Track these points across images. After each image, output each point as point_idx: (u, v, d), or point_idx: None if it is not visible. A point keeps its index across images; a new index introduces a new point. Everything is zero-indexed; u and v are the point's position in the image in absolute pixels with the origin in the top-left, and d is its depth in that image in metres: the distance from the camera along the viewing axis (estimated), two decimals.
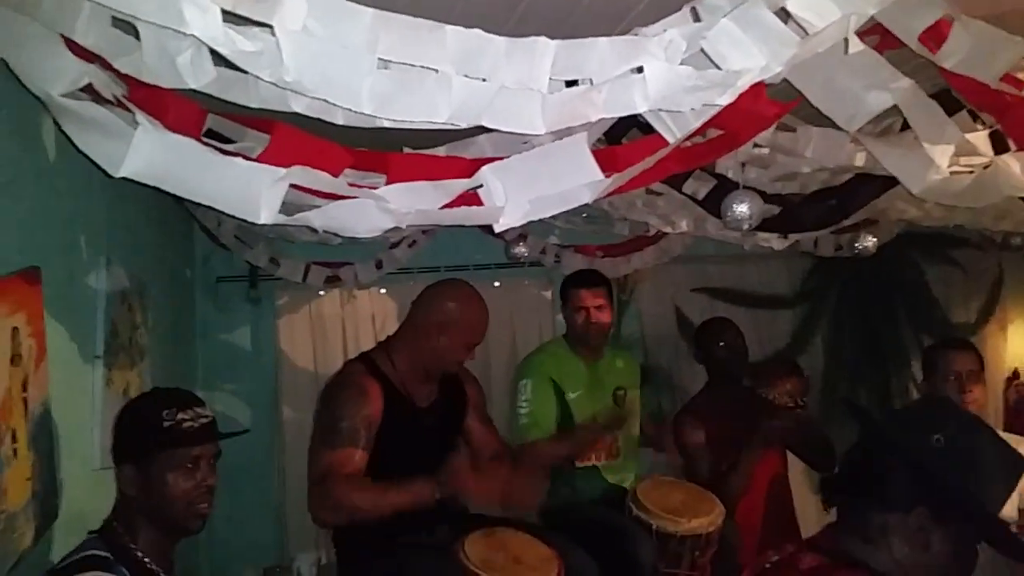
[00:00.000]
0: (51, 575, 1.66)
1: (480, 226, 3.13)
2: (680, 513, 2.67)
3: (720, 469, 3.15)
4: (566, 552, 2.31)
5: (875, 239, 3.48)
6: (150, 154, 1.37)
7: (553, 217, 3.70)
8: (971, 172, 2.09)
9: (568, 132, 1.63)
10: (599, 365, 3.28)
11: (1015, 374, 4.93)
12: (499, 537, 2.28)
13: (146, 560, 1.74)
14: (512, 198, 1.58)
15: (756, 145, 2.37)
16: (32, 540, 1.74)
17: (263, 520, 4.11)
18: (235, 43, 1.11)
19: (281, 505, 4.11)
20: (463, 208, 1.62)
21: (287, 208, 1.51)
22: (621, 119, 1.82)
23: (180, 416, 1.76)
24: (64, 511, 1.97)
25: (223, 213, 2.36)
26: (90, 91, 1.44)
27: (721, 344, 3.41)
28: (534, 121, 1.26)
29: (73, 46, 1.39)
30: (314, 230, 3.02)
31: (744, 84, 1.25)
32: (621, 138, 2.16)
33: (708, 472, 3.13)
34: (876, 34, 1.81)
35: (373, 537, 2.38)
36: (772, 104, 1.81)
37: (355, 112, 1.25)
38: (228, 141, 1.88)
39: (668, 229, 3.37)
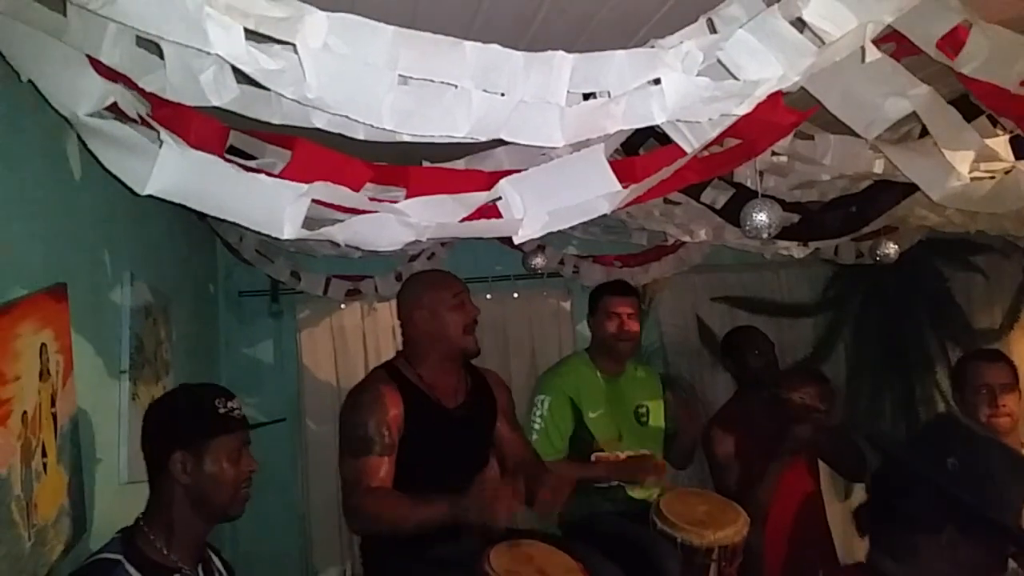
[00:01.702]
0: None
1: (499, 238, 3.18)
2: (705, 525, 2.65)
3: (749, 479, 3.13)
4: (592, 564, 2.30)
5: (896, 246, 3.45)
6: (175, 172, 1.40)
7: (571, 228, 3.75)
8: (992, 178, 2.08)
9: (586, 144, 1.64)
10: (620, 381, 3.26)
11: None
12: (524, 549, 2.27)
13: (168, 556, 1.76)
14: (531, 210, 1.60)
15: (774, 153, 2.36)
16: (62, 552, 1.76)
17: (287, 532, 4.13)
18: (258, 61, 1.13)
19: (305, 517, 4.13)
20: (482, 220, 1.64)
21: (309, 223, 1.53)
22: (638, 130, 1.83)
23: (230, 404, 1.83)
24: (93, 525, 1.99)
25: (245, 228, 2.39)
26: (115, 110, 1.47)
27: (756, 353, 3.40)
28: (553, 134, 1.27)
29: (98, 66, 1.42)
30: (335, 244, 3.08)
31: (762, 94, 1.25)
32: (639, 149, 2.17)
33: (737, 483, 3.10)
34: (893, 41, 1.81)
35: (400, 547, 2.38)
36: (789, 112, 1.81)
37: (376, 128, 1.26)
38: (250, 157, 1.91)
39: (686, 238, 3.36)
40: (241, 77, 1.31)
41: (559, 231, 3.92)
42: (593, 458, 3.11)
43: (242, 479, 1.84)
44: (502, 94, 1.21)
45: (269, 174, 1.49)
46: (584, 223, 3.64)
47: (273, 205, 1.40)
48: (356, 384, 2.69)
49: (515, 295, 4.40)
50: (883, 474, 1.59)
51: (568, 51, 1.26)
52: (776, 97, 1.74)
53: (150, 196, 1.47)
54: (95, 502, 2.06)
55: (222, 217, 1.51)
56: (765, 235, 2.22)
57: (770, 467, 3.09)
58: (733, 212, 2.50)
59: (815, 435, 3.14)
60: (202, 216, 3.05)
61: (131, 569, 1.68)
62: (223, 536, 3.88)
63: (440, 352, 2.60)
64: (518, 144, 1.98)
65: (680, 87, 1.21)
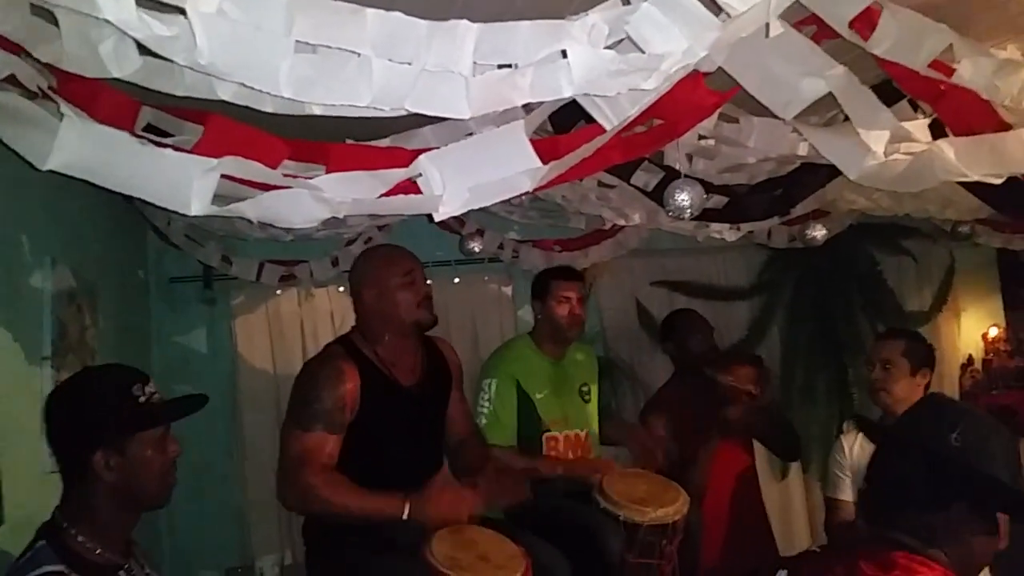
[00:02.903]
0: None
1: (440, 223, 3.15)
2: (646, 503, 2.68)
3: (684, 461, 3.18)
4: (534, 549, 2.30)
5: (824, 229, 3.53)
6: (77, 146, 1.35)
7: (509, 212, 3.78)
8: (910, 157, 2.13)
9: (508, 121, 1.64)
10: (563, 363, 3.27)
11: (969, 360, 5.04)
12: (466, 535, 2.26)
13: (102, 555, 1.66)
14: (450, 186, 1.59)
15: (701, 136, 2.40)
16: None
17: (225, 522, 4.06)
18: (150, 28, 1.10)
19: (242, 507, 4.06)
20: (401, 197, 1.62)
21: (221, 200, 1.50)
22: (570, 110, 1.83)
23: (148, 390, 1.69)
24: (9, 516, 1.94)
25: (173, 212, 2.34)
26: (14, 83, 1.42)
27: (697, 336, 3.48)
28: (459, 105, 1.26)
29: None
30: (264, 227, 3.03)
31: (668, 68, 1.26)
32: (569, 130, 2.17)
33: (674, 464, 3.14)
34: (812, 24, 1.84)
35: (342, 532, 2.36)
36: (710, 93, 1.83)
37: (283, 99, 1.24)
38: (166, 135, 1.87)
39: (622, 222, 3.40)
40: (145, 50, 1.28)
41: (499, 216, 3.94)
42: (544, 441, 3.11)
43: (168, 466, 1.73)
44: (408, 64, 1.19)
45: (179, 149, 1.46)
46: (522, 207, 3.72)
47: (180, 180, 1.36)
48: (313, 356, 2.66)
49: (456, 280, 4.38)
50: (879, 456, 1.57)
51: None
52: (697, 78, 1.76)
53: (72, 178, 1.42)
54: (12, 494, 1.99)
55: (128, 193, 1.47)
56: (687, 215, 2.25)
57: (703, 448, 3.16)
58: (662, 194, 2.52)
59: (748, 416, 3.21)
60: (129, 199, 2.97)
61: None
62: (159, 527, 3.81)
63: (393, 330, 2.57)
64: (443, 123, 2.00)
65: (586, 60, 1.21)
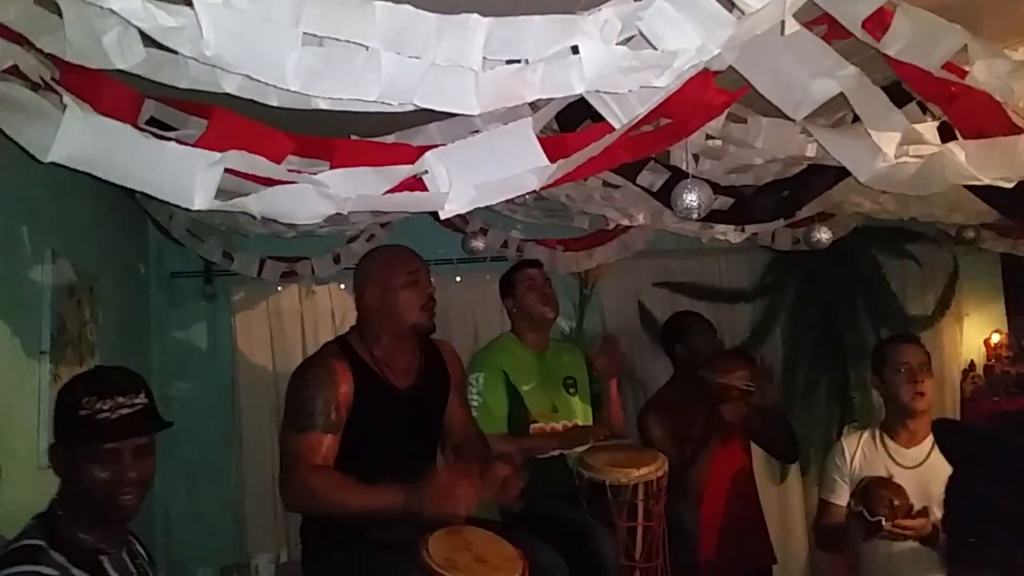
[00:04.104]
0: None
1: (443, 221, 3.15)
2: (628, 465, 2.75)
3: (683, 462, 3.18)
4: (532, 551, 2.29)
5: (830, 231, 3.50)
6: (79, 138, 1.33)
7: (513, 211, 3.76)
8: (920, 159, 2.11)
9: (515, 119, 1.62)
10: (547, 357, 3.32)
11: (971, 366, 5.01)
12: (463, 536, 2.24)
13: (87, 539, 1.70)
14: (457, 184, 1.56)
15: (708, 136, 2.37)
16: None
17: (221, 519, 4.06)
18: (155, 18, 1.08)
19: (239, 504, 4.06)
20: (407, 194, 1.60)
21: (225, 195, 1.47)
22: (576, 108, 1.82)
23: (98, 406, 1.67)
24: (7, 509, 1.93)
25: (174, 206, 2.31)
26: (16, 74, 1.40)
27: (703, 338, 3.49)
28: (468, 100, 1.24)
29: None
30: (266, 222, 3.01)
31: (680, 65, 1.24)
32: (575, 128, 2.15)
33: (673, 465, 3.13)
34: (824, 23, 1.82)
35: (339, 531, 2.35)
36: (720, 93, 1.81)
37: (289, 92, 1.22)
38: (170, 129, 1.85)
39: (626, 222, 3.38)
40: (149, 41, 1.26)
41: (503, 214, 3.94)
42: (530, 431, 3.15)
43: (116, 485, 1.69)
44: (417, 58, 1.17)
45: (182, 143, 1.43)
46: (526, 206, 3.70)
47: (183, 174, 1.34)
48: (307, 357, 2.68)
49: (458, 279, 4.37)
50: (961, 477, 1.39)
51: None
52: (707, 77, 1.74)
53: (74, 171, 1.40)
54: (9, 487, 1.98)
55: (131, 187, 1.45)
56: (695, 216, 2.23)
57: (702, 449, 3.16)
58: (668, 195, 2.50)
59: (745, 417, 3.21)
60: (131, 193, 2.95)
61: (54, 554, 1.62)
62: (155, 522, 3.80)
63: (392, 330, 2.56)
64: (450, 120, 1.98)
65: (598, 56, 1.19)
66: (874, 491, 2.61)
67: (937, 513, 2.61)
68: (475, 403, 3.08)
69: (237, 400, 4.11)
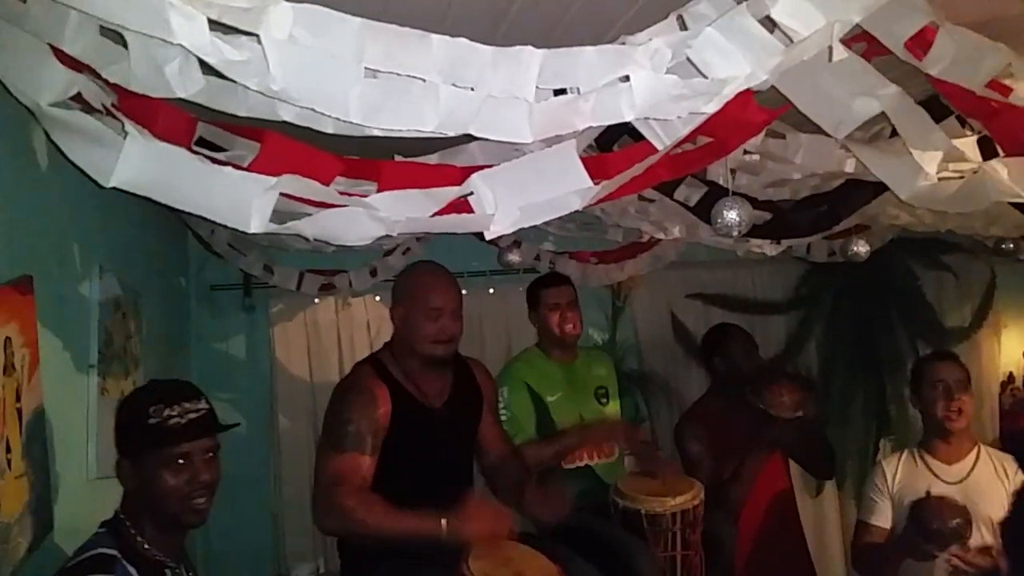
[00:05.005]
0: (61, 574, 1.66)
1: (474, 233, 3.16)
2: (663, 494, 2.74)
3: (722, 475, 3.16)
4: (570, 565, 2.30)
5: (867, 245, 3.49)
6: (140, 164, 1.38)
7: (547, 224, 3.76)
8: (960, 177, 2.10)
9: (557, 140, 1.64)
10: (576, 367, 3.31)
11: (1010, 378, 4.94)
12: (502, 551, 2.26)
13: (153, 552, 1.75)
14: (502, 205, 1.59)
15: (746, 152, 2.38)
16: (26, 551, 1.74)
17: (260, 530, 4.09)
18: (222, 52, 1.12)
19: (278, 515, 4.10)
20: (454, 216, 1.63)
21: (278, 217, 1.51)
22: (611, 127, 1.83)
23: (167, 413, 1.74)
24: (59, 522, 1.96)
25: (216, 222, 2.36)
26: (79, 100, 1.45)
27: (742, 351, 3.45)
28: (521, 130, 1.26)
29: (61, 55, 1.39)
30: (307, 238, 3.06)
31: (730, 92, 1.26)
32: (612, 145, 2.17)
33: (710, 479, 3.12)
34: (863, 41, 1.82)
35: (378, 546, 2.35)
36: (760, 111, 1.82)
37: (344, 121, 1.25)
38: (219, 150, 1.89)
39: (661, 235, 3.38)
40: (207, 68, 1.29)
41: (535, 227, 3.96)
42: None
43: (189, 489, 1.76)
44: (471, 89, 1.20)
45: (237, 166, 1.48)
46: (559, 219, 3.71)
47: (240, 198, 1.38)
48: (344, 378, 2.68)
49: (491, 291, 4.39)
50: None
51: (541, 47, 1.26)
52: (747, 95, 1.75)
53: (119, 189, 1.45)
54: (61, 499, 2.03)
55: (188, 211, 1.49)
56: (735, 233, 2.24)
57: (745, 465, 3.13)
58: (705, 210, 2.51)
59: (787, 435, 3.17)
60: (173, 208, 3.00)
61: (127, 565, 1.68)
62: (194, 533, 3.84)
63: (412, 352, 2.56)
64: (490, 140, 2.01)
65: (649, 84, 1.21)
66: (930, 509, 2.50)
67: (985, 533, 2.58)
68: (504, 416, 3.08)
69: (275, 410, 4.16)
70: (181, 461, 1.75)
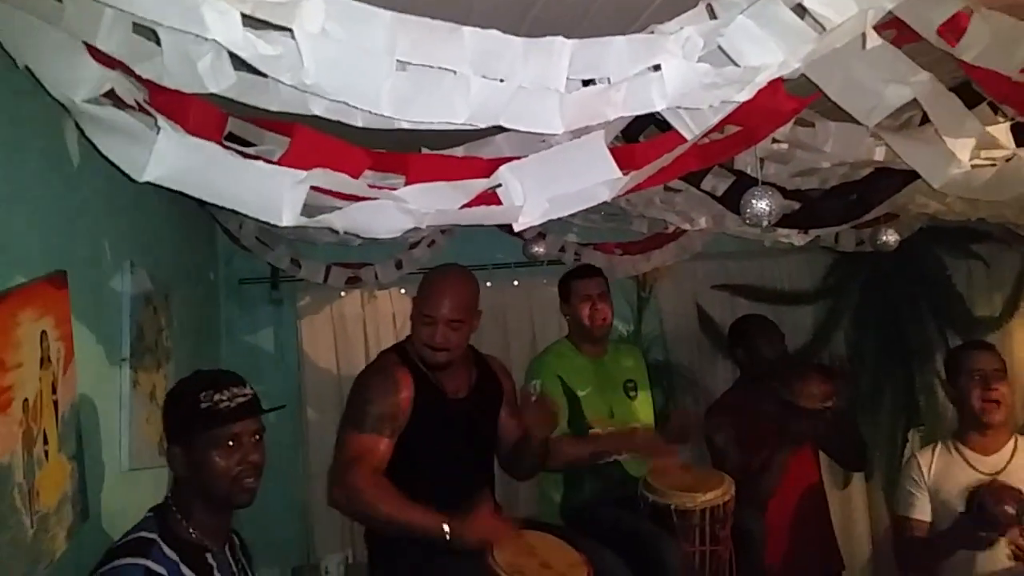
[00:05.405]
0: (107, 554, 1.73)
1: (499, 225, 3.17)
2: (694, 489, 2.73)
3: (751, 467, 3.14)
4: (595, 556, 2.30)
5: (896, 234, 3.45)
6: (172, 158, 1.39)
7: (572, 215, 3.74)
8: (993, 165, 2.07)
9: (585, 131, 1.64)
10: (605, 361, 3.31)
11: None
12: (528, 541, 2.28)
13: (196, 536, 1.83)
14: (530, 197, 1.59)
15: (775, 140, 2.36)
16: (64, 541, 1.77)
17: (289, 520, 4.13)
18: (255, 47, 1.13)
19: (307, 505, 4.13)
20: (482, 208, 1.63)
21: (308, 210, 1.52)
22: (637, 117, 1.82)
23: (217, 397, 1.82)
24: (94, 512, 2.00)
25: (245, 215, 2.39)
26: (112, 96, 1.46)
27: (769, 342, 3.43)
28: (552, 121, 1.26)
29: (95, 52, 1.41)
30: (335, 231, 3.07)
31: (762, 80, 1.25)
32: (639, 135, 2.16)
33: (737, 470, 3.11)
34: (893, 28, 1.80)
35: (402, 536, 2.37)
36: (790, 99, 1.80)
37: (374, 114, 1.26)
38: (248, 144, 1.91)
39: (687, 226, 3.36)
40: (238, 63, 1.30)
41: (560, 219, 3.97)
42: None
43: (240, 470, 1.83)
44: (501, 80, 1.20)
45: (268, 161, 1.49)
46: (585, 210, 3.69)
47: (271, 192, 1.39)
48: (370, 363, 2.74)
49: (515, 283, 4.40)
50: None
51: (568, 37, 1.26)
52: (777, 84, 1.73)
53: (149, 183, 1.47)
54: (97, 490, 2.06)
55: (220, 204, 1.50)
56: (765, 223, 2.22)
57: (775, 457, 3.10)
58: (733, 200, 2.49)
59: (817, 428, 3.14)
60: (202, 203, 3.04)
61: (165, 548, 1.75)
62: None
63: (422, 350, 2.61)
64: (517, 131, 2.01)
65: (680, 73, 1.20)
66: (991, 494, 2.41)
67: None
68: None
69: (303, 401, 4.19)
70: (231, 443, 1.83)
